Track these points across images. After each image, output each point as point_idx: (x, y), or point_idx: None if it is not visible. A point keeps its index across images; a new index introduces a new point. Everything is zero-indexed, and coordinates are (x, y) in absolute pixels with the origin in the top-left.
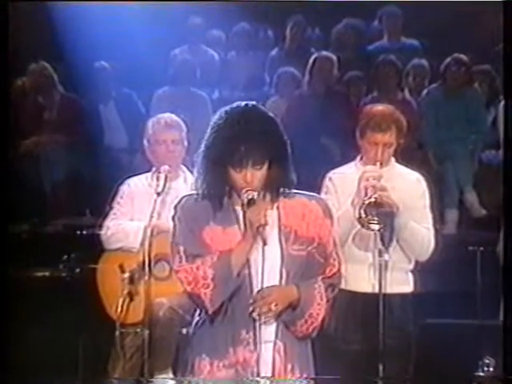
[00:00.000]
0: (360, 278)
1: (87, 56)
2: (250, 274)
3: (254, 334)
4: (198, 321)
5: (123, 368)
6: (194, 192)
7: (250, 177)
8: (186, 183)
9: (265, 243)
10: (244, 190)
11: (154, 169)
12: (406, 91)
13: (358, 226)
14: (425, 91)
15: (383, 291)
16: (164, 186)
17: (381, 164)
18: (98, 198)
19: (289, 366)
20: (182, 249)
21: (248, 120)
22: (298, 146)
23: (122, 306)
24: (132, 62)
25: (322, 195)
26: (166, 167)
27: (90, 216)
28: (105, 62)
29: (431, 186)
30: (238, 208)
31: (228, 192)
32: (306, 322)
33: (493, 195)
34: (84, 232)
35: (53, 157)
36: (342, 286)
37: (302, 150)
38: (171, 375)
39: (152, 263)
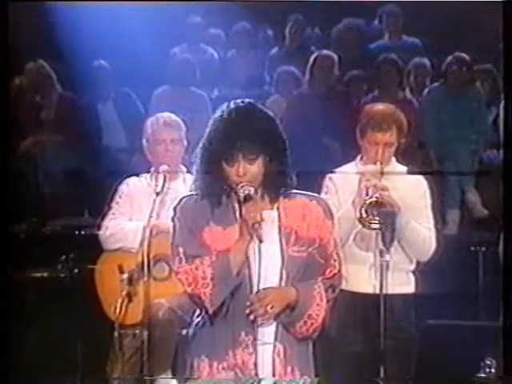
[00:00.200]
0: (361, 278)
1: (86, 55)
2: (249, 274)
3: (254, 336)
4: (198, 322)
5: (122, 369)
6: (193, 193)
7: (242, 170)
8: (185, 183)
9: (261, 241)
10: (240, 186)
11: (153, 168)
12: (407, 90)
13: (359, 226)
14: (426, 90)
15: (384, 292)
16: (163, 185)
17: (381, 164)
18: (96, 197)
19: (289, 368)
20: (181, 250)
21: (243, 115)
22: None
23: (121, 307)
24: (131, 60)
25: (323, 195)
26: (165, 167)
27: (89, 216)
28: (103, 61)
29: (432, 185)
30: (237, 206)
31: (226, 190)
32: (305, 323)
33: (495, 195)
34: (82, 232)
35: (51, 156)
36: (343, 286)
37: (302, 150)
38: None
39: (151, 264)
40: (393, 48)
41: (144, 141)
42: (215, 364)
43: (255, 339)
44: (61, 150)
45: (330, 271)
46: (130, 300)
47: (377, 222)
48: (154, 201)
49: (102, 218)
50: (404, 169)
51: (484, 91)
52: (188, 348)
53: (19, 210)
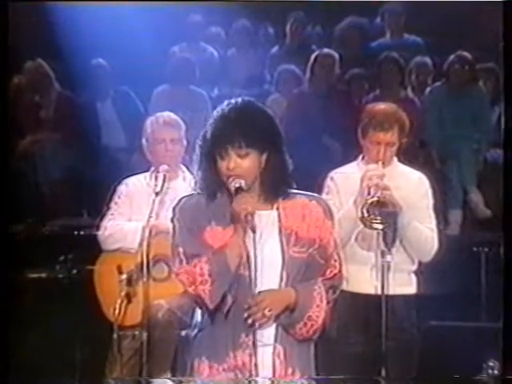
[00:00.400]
0: (362, 279)
1: (84, 53)
2: (250, 276)
3: (254, 338)
4: (199, 323)
5: (121, 371)
6: (193, 192)
7: (233, 164)
8: (185, 183)
9: (253, 231)
10: (230, 179)
11: (152, 168)
12: (409, 89)
13: (361, 226)
14: (428, 89)
15: (386, 293)
16: (163, 185)
17: (383, 163)
18: (95, 197)
19: (290, 370)
20: (181, 251)
21: (237, 112)
22: (299, 145)
23: (120, 308)
24: (130, 59)
25: (324, 195)
26: (165, 167)
27: (88, 216)
28: (102, 60)
29: (434, 185)
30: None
31: (220, 187)
32: (305, 324)
33: (498, 195)
34: (81, 233)
35: (49, 156)
36: (344, 287)
37: (303, 149)
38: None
39: (150, 264)
40: (394, 46)
41: (143, 140)
42: (215, 365)
43: (255, 341)
44: (59, 149)
45: (331, 271)
46: (129, 301)
47: (379, 221)
48: (154, 201)
49: (101, 219)
50: (406, 168)
51: (486, 90)
52: (188, 349)
53: (17, 210)
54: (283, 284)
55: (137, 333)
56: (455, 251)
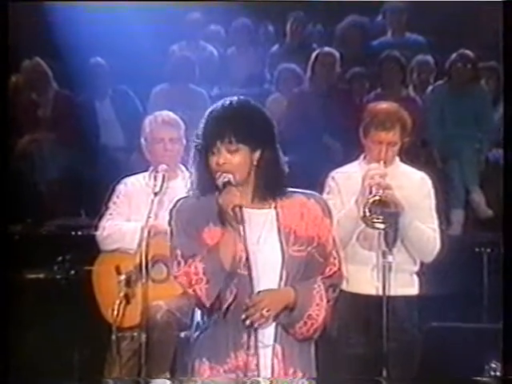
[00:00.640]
0: (363, 279)
1: (83, 52)
2: (250, 275)
3: (256, 338)
4: (199, 324)
5: (120, 372)
6: (189, 194)
7: (223, 160)
8: (184, 182)
9: (239, 223)
10: (218, 174)
11: (151, 168)
12: (411, 88)
13: (362, 226)
14: (430, 88)
15: (387, 293)
16: (162, 185)
17: (385, 163)
18: (93, 197)
19: (291, 370)
20: (179, 253)
21: (230, 109)
22: (300, 145)
23: (119, 309)
24: (129, 58)
25: (325, 195)
26: (164, 166)
27: (86, 216)
28: (101, 58)
29: (436, 185)
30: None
31: (214, 186)
32: (305, 323)
33: (500, 195)
34: (79, 233)
35: (47, 155)
36: (345, 287)
37: (304, 149)
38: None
39: (149, 265)
40: (396, 45)
41: (142, 139)
42: (216, 367)
43: (257, 341)
44: (57, 148)
45: (330, 269)
46: (127, 302)
47: (380, 221)
48: (153, 201)
49: (100, 219)
50: (408, 168)
51: (489, 89)
52: (188, 351)
53: (14, 210)
54: (283, 283)
55: (135, 334)
56: (457, 251)
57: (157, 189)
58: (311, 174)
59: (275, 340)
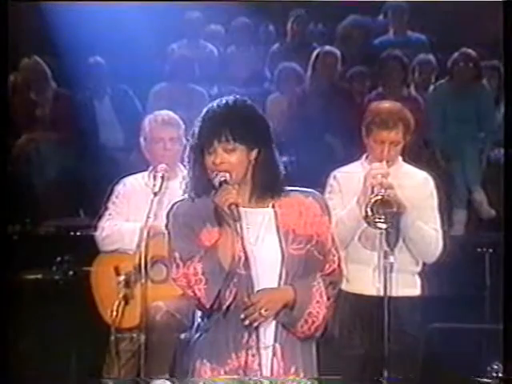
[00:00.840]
0: (365, 280)
1: (81, 51)
2: (250, 275)
3: (257, 338)
4: (199, 325)
5: (118, 374)
6: (184, 196)
7: (219, 159)
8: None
9: (235, 220)
10: (214, 174)
11: (150, 168)
12: (412, 87)
13: (364, 225)
14: (431, 87)
15: (389, 294)
16: (161, 185)
17: (387, 162)
18: (92, 197)
19: (292, 369)
20: (177, 256)
21: (225, 108)
22: (300, 144)
23: (118, 310)
24: (128, 56)
25: (327, 194)
26: (164, 166)
27: (84, 217)
28: (100, 57)
29: (439, 185)
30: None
31: (210, 186)
32: (306, 321)
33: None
34: (78, 233)
35: (45, 155)
36: (347, 288)
37: (304, 148)
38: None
39: (148, 265)
40: (397, 44)
41: (141, 139)
42: (217, 368)
43: (258, 341)
44: (56, 148)
45: (329, 266)
46: (126, 303)
47: (383, 220)
48: (152, 201)
49: (98, 219)
50: (411, 168)
51: (491, 88)
52: (188, 352)
53: (13, 211)
54: (282, 282)
55: (135, 335)
56: (459, 252)
57: (156, 189)
58: (312, 173)
59: (275, 340)
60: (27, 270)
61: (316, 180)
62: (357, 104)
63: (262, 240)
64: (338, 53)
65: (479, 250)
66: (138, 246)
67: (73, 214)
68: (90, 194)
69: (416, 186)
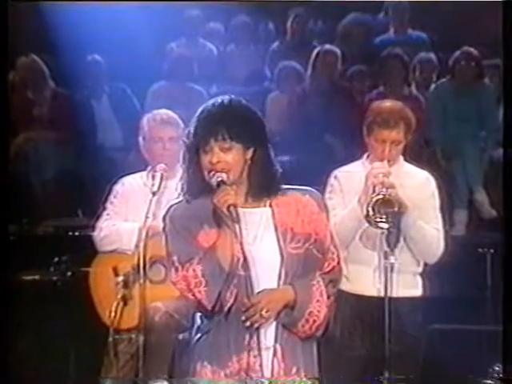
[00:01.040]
0: (365, 281)
1: (79, 49)
2: (249, 276)
3: (258, 339)
4: (199, 327)
5: (117, 375)
6: (180, 198)
7: (216, 158)
8: None
9: (235, 221)
10: (212, 174)
11: (149, 167)
12: (413, 86)
13: (365, 225)
14: (432, 86)
15: (389, 295)
16: (160, 185)
17: (389, 162)
18: (90, 197)
19: (293, 369)
20: (176, 259)
21: (220, 107)
22: (300, 144)
23: (116, 311)
24: (126, 55)
25: (327, 194)
26: (163, 166)
27: (83, 217)
28: (98, 56)
29: (440, 185)
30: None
31: (207, 187)
32: (307, 321)
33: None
34: (76, 233)
35: (43, 154)
36: (348, 289)
37: (305, 147)
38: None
39: (147, 266)
40: (398, 42)
41: (140, 138)
42: (218, 370)
43: (260, 343)
44: (54, 147)
45: (329, 265)
46: (125, 303)
47: (384, 220)
48: (151, 201)
49: (97, 219)
50: (412, 168)
51: (493, 87)
52: (188, 354)
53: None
54: (282, 282)
55: (133, 336)
56: (460, 252)
57: (155, 188)
58: (312, 172)
59: (276, 341)
60: (25, 271)
61: (316, 179)
62: (357, 103)
63: (261, 240)
64: (339, 51)
65: (480, 250)
66: (137, 246)
67: (71, 214)
68: (89, 194)
69: (417, 186)
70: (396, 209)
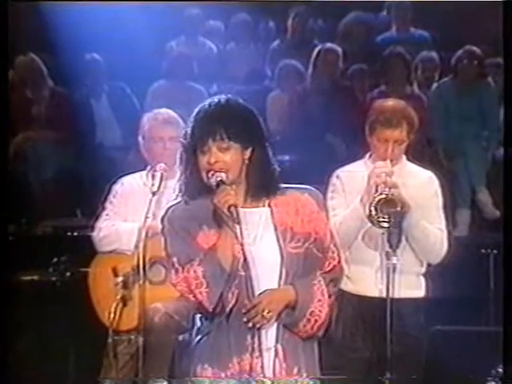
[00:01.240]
0: (368, 281)
1: (78, 48)
2: (250, 276)
3: (259, 340)
4: (199, 328)
5: (116, 376)
6: (178, 199)
7: (214, 158)
8: None
9: (237, 222)
10: (210, 174)
11: (149, 167)
12: (415, 85)
13: (368, 225)
14: (435, 85)
15: (392, 296)
16: (160, 185)
17: (391, 161)
18: (89, 197)
19: (295, 369)
20: (175, 260)
21: (217, 107)
22: (301, 143)
23: (115, 312)
24: (126, 54)
25: (329, 193)
26: (162, 165)
27: (82, 217)
28: (97, 55)
29: (443, 184)
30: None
31: (205, 188)
32: (308, 321)
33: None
34: (75, 234)
35: (42, 154)
36: (350, 289)
37: (305, 147)
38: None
39: (147, 266)
40: (400, 41)
41: (140, 138)
42: (218, 372)
43: (261, 343)
44: (52, 147)
45: (329, 264)
46: (124, 304)
47: (386, 219)
48: (151, 201)
49: (96, 219)
50: (415, 167)
51: (496, 86)
52: (188, 355)
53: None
54: (283, 282)
55: (133, 337)
56: (463, 253)
57: (155, 188)
58: (312, 172)
59: (277, 341)
60: (24, 271)
61: (317, 179)
62: (358, 102)
63: (260, 240)
64: (340, 50)
65: (483, 251)
66: (136, 246)
67: (70, 214)
68: (88, 194)
69: (420, 185)
70: (399, 208)
